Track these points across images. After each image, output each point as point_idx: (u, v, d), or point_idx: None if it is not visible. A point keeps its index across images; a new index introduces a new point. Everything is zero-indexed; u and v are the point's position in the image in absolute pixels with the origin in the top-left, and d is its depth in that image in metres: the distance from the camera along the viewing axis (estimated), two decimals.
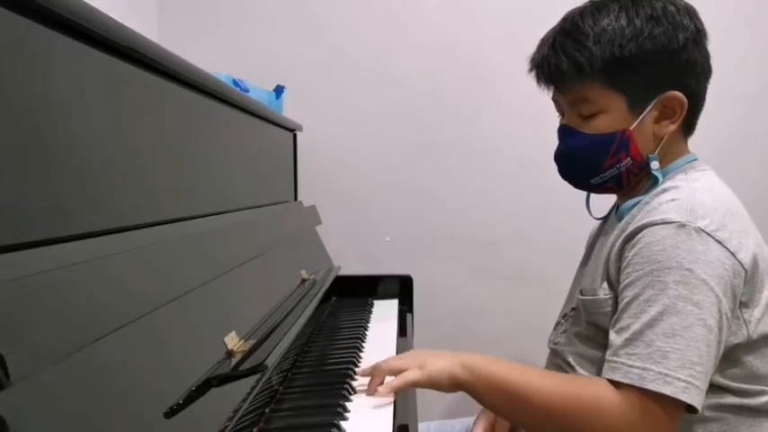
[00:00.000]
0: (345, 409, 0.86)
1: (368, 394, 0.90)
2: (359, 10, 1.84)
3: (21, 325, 0.43)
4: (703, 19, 0.92)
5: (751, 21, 1.79)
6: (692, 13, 0.90)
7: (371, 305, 1.52)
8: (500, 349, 1.85)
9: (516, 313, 1.84)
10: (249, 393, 0.71)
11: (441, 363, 0.86)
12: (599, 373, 0.85)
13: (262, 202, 1.26)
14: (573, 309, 1.00)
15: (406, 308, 1.55)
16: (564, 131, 0.95)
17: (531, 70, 0.95)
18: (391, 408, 0.88)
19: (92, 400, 0.48)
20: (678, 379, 0.75)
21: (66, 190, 0.57)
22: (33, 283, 0.46)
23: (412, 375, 0.86)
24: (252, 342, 0.77)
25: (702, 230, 0.79)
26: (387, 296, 1.60)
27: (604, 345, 0.86)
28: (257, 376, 0.71)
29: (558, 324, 1.06)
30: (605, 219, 1.07)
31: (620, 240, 0.86)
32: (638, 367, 0.77)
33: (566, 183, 1.00)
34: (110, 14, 0.62)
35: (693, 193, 0.84)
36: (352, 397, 0.91)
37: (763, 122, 1.83)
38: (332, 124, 1.84)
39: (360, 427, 0.82)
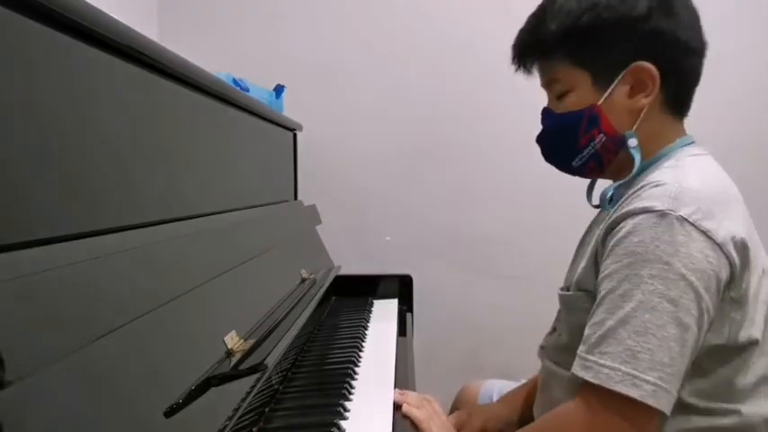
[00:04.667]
0: (345, 409, 0.86)
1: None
2: (359, 10, 1.84)
3: (20, 324, 0.43)
4: (703, 16, 0.88)
5: (751, 18, 1.79)
6: None
7: (371, 305, 1.52)
8: (499, 349, 1.86)
9: (516, 313, 1.84)
10: (249, 393, 0.71)
11: None
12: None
13: (262, 202, 1.26)
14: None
15: (405, 307, 1.55)
16: (543, 114, 0.95)
17: (513, 58, 0.95)
18: (391, 407, 0.88)
19: (91, 399, 0.48)
20: (647, 381, 0.71)
21: (65, 189, 0.57)
22: (33, 282, 0.46)
23: (418, 417, 0.92)
24: (252, 341, 0.77)
25: (686, 219, 0.74)
26: (387, 296, 1.60)
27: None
28: (257, 375, 0.71)
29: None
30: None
31: (604, 230, 0.82)
32: (607, 367, 0.74)
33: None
34: (110, 13, 0.62)
35: (681, 178, 0.79)
36: (352, 397, 0.91)
37: (762, 120, 1.83)
38: (332, 124, 1.84)
39: (360, 427, 0.82)
